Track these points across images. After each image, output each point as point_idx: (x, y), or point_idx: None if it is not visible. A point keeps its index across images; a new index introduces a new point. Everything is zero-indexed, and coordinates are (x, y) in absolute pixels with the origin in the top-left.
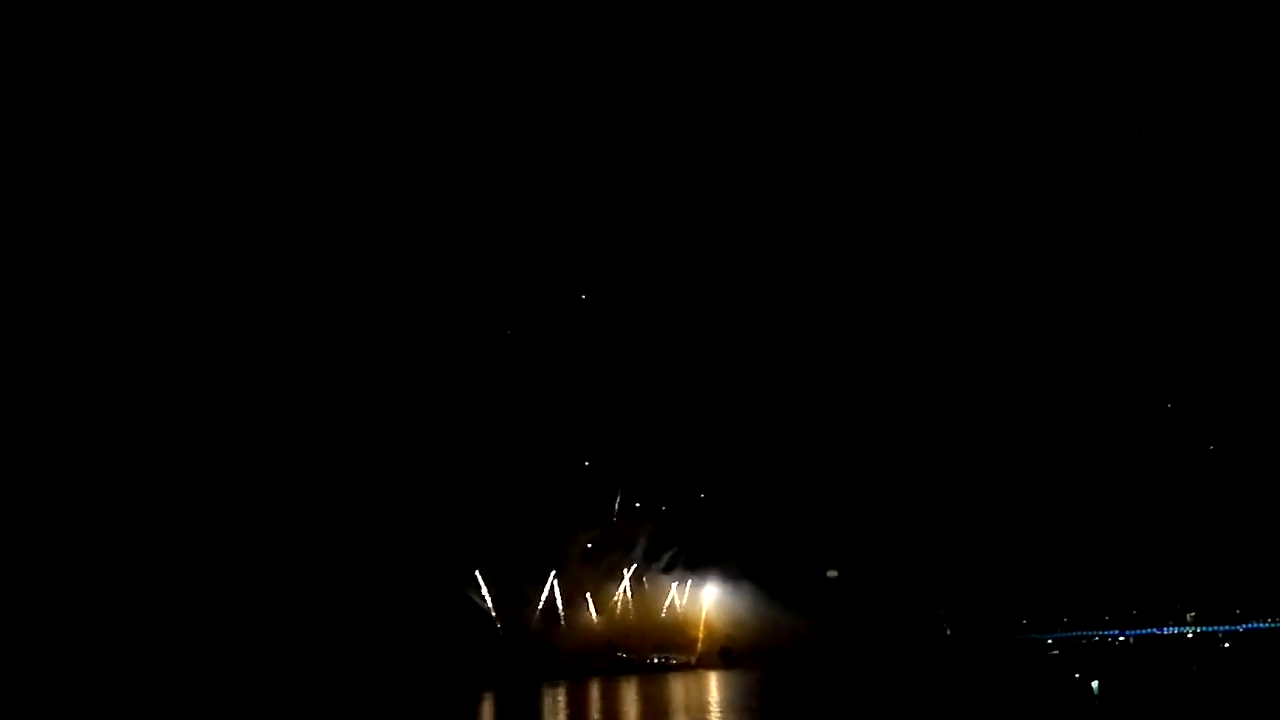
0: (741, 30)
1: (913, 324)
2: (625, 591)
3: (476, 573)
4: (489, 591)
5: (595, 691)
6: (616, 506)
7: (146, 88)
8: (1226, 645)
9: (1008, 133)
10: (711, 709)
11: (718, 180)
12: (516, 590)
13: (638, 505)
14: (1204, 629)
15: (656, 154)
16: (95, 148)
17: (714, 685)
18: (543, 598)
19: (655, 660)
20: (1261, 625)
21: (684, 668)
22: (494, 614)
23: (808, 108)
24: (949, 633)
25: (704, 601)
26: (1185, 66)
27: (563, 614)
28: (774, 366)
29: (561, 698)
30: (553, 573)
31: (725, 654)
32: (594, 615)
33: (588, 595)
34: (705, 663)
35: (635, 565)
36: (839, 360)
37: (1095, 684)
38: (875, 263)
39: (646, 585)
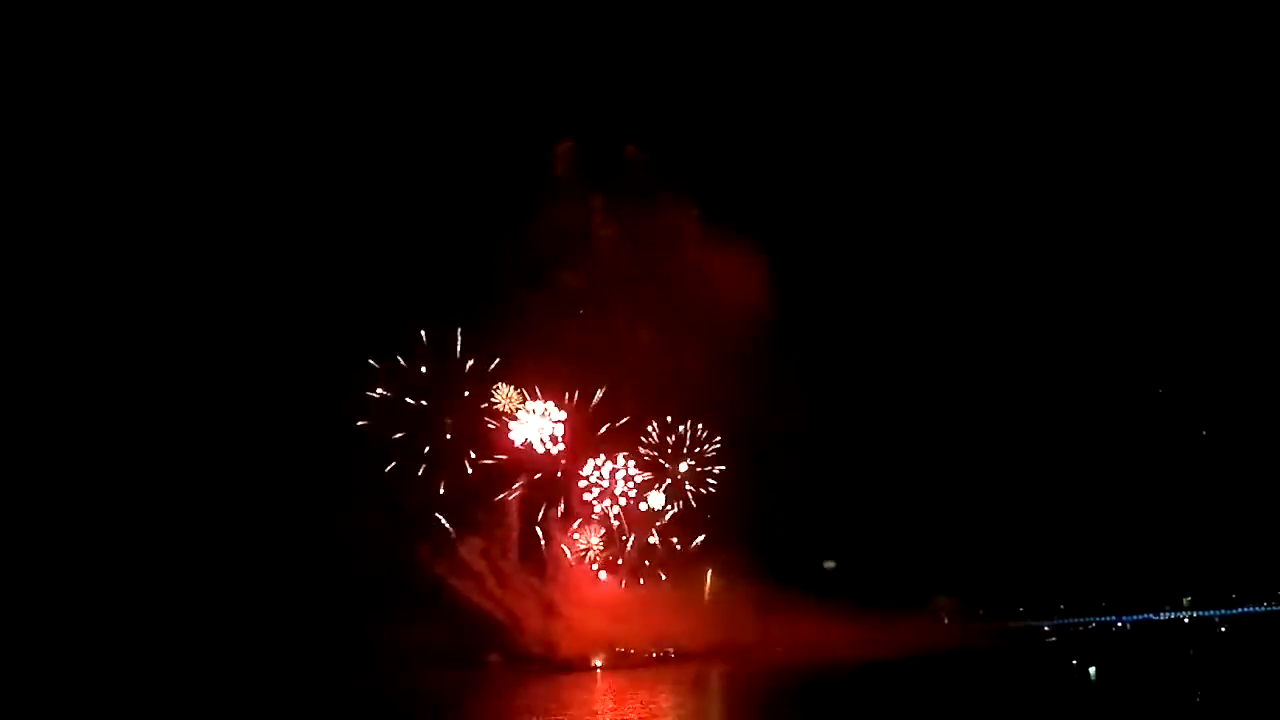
0: (743, 29)
1: (903, 313)
2: (624, 585)
3: (470, 562)
4: (482, 584)
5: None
6: (617, 501)
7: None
8: (1223, 629)
9: (996, 118)
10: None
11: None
12: (513, 582)
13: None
14: (1200, 613)
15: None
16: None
17: (716, 678)
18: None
19: (655, 654)
20: (1257, 609)
21: (684, 660)
22: (487, 604)
23: (809, 107)
24: (947, 621)
25: (704, 594)
26: (1176, 58)
27: (561, 608)
28: (768, 357)
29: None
30: (551, 566)
31: (726, 646)
32: (593, 609)
33: (586, 589)
34: (705, 655)
35: (634, 557)
36: (831, 351)
37: (1093, 670)
38: (867, 255)
39: (646, 579)
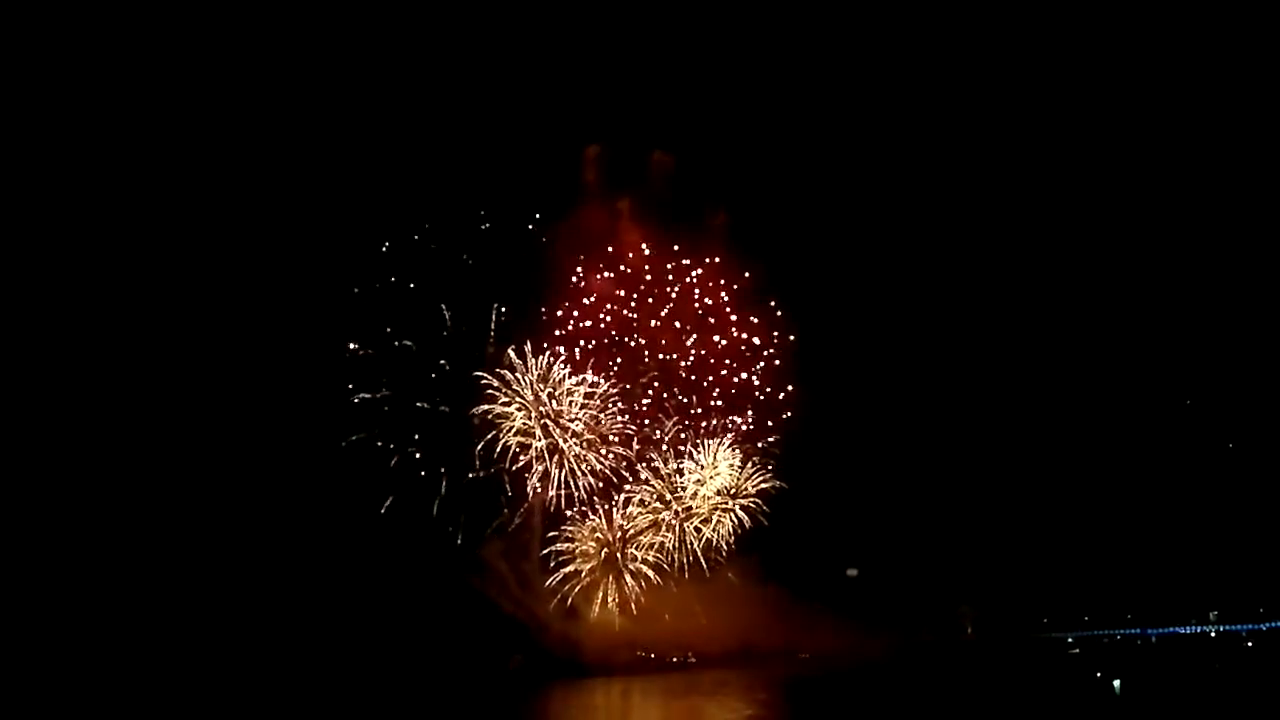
0: (740, 28)
1: (931, 318)
2: (645, 589)
3: (492, 564)
4: (505, 587)
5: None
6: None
7: None
8: (1250, 644)
9: (1026, 124)
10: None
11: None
12: (535, 585)
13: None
14: (1227, 628)
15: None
16: None
17: (737, 684)
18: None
19: (676, 659)
20: None
21: (706, 666)
22: (510, 607)
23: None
24: (970, 631)
25: (726, 599)
26: (1212, 59)
27: (582, 611)
28: (789, 359)
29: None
30: (572, 568)
31: (746, 652)
32: (615, 612)
33: (608, 592)
34: (727, 661)
35: (656, 563)
36: (857, 356)
37: (1117, 683)
38: (890, 260)
39: (668, 582)
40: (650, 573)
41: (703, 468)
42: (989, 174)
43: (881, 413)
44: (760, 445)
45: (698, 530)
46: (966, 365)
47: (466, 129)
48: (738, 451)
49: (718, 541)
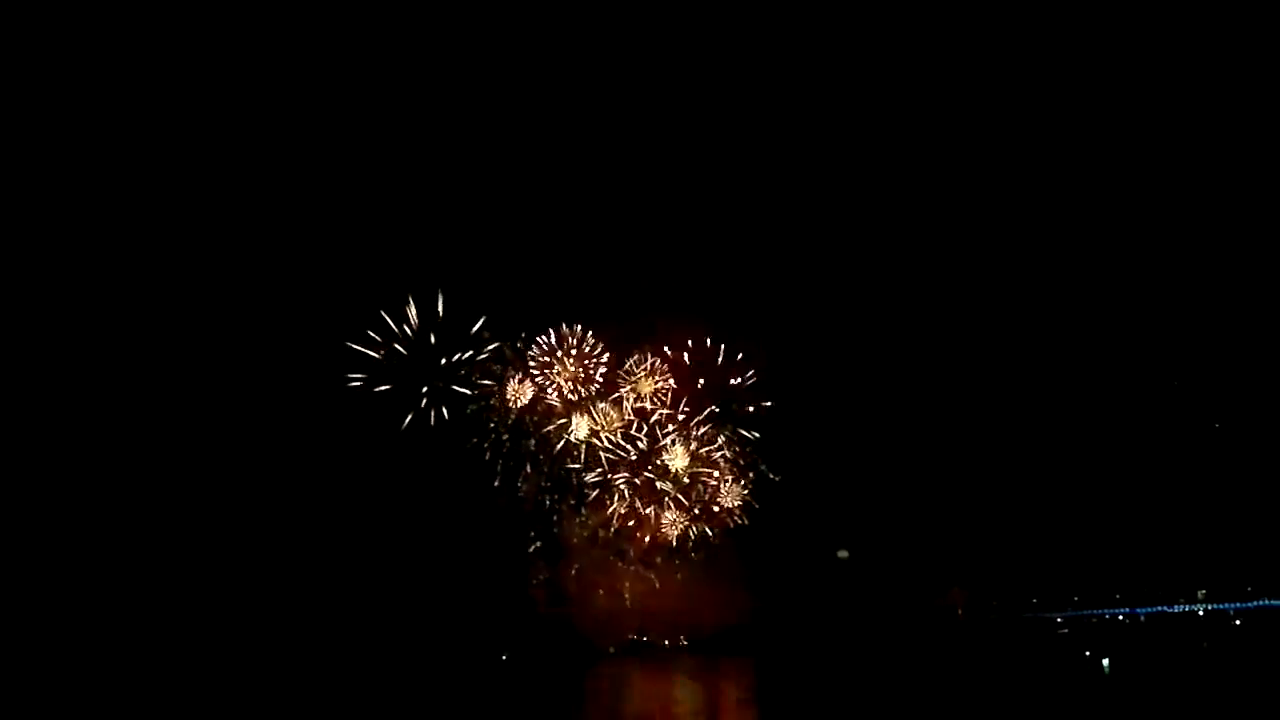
0: (739, 28)
1: (918, 302)
2: (638, 573)
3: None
4: (500, 571)
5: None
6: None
7: None
8: (1238, 623)
9: (1006, 109)
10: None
11: (719, 178)
12: (527, 572)
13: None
14: (1215, 606)
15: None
16: None
17: (731, 666)
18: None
19: (669, 643)
20: (1273, 603)
21: (699, 649)
22: (502, 594)
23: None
24: (960, 613)
25: (719, 583)
26: (1182, 48)
27: (580, 597)
28: (783, 348)
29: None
30: (570, 557)
31: (741, 636)
32: (607, 597)
33: (600, 577)
34: (721, 645)
35: (648, 546)
36: (847, 340)
37: (1106, 662)
38: (880, 245)
39: (659, 567)
40: (644, 565)
41: (700, 459)
42: (974, 157)
43: (872, 396)
44: (755, 435)
45: (695, 521)
46: (955, 348)
47: (463, 124)
48: (734, 444)
49: (714, 531)
